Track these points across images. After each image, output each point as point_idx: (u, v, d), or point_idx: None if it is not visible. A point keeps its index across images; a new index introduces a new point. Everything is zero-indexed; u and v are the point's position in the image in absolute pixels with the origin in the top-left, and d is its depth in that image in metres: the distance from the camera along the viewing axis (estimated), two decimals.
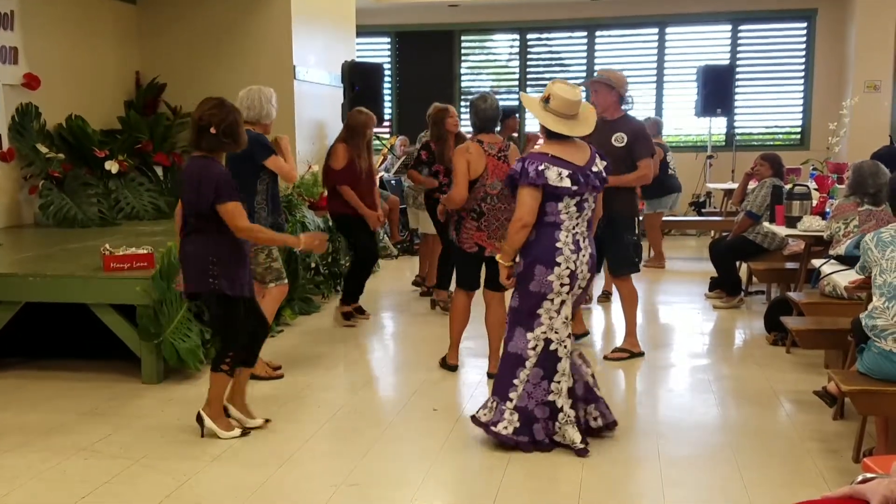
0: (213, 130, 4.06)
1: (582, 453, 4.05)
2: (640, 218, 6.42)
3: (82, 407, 4.83)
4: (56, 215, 7.41)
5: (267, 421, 4.45)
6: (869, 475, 2.03)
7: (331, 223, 7.29)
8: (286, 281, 5.31)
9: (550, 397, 4.11)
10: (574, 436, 4.09)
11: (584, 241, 4.11)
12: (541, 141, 4.40)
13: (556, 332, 4.10)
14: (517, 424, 4.09)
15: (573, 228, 4.08)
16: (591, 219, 4.23)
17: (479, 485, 3.80)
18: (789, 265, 6.96)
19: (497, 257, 4.28)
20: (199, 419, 4.28)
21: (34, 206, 7.60)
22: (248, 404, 4.48)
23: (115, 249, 5.40)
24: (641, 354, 5.76)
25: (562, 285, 4.05)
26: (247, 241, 4.28)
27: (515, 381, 4.11)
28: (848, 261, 4.94)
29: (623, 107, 5.66)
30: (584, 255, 4.11)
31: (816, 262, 5.49)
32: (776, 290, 7.40)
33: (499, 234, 5.22)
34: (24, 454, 4.13)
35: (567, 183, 4.01)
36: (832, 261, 5.27)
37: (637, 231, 5.77)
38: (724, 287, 7.46)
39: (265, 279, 5.19)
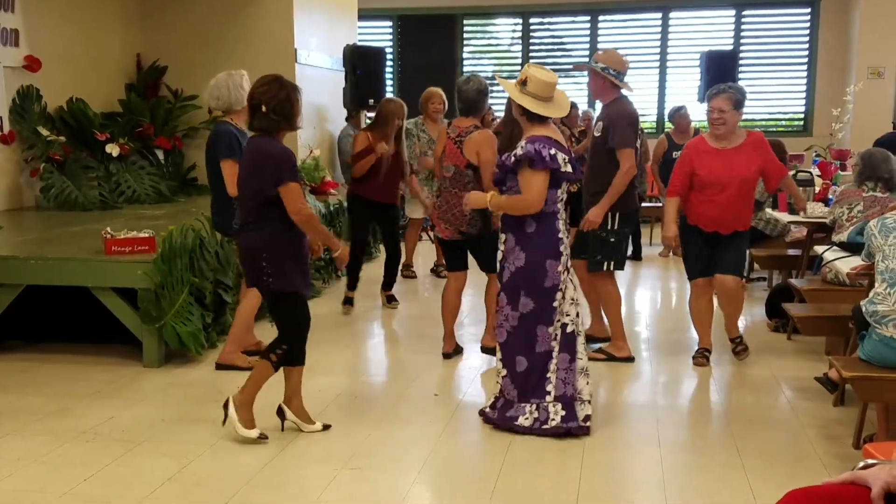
0: (263, 109, 3.92)
1: (581, 431, 4.12)
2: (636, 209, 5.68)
3: (84, 390, 4.84)
4: (57, 198, 7.40)
5: (326, 426, 4.20)
6: (870, 461, 2.04)
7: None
8: None
9: (573, 375, 4.20)
10: (579, 412, 4.16)
11: (566, 227, 4.27)
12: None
13: (567, 315, 4.19)
14: (563, 413, 4.13)
15: (562, 216, 4.19)
16: None
17: (480, 469, 3.81)
18: (791, 252, 6.95)
19: (489, 198, 4.27)
20: (226, 405, 4.05)
21: (35, 189, 7.59)
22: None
23: (117, 233, 5.39)
24: (627, 359, 5.37)
25: (564, 272, 4.17)
26: (305, 236, 4.05)
27: (548, 374, 4.15)
28: (850, 248, 4.93)
29: (623, 90, 5.22)
30: (569, 239, 4.28)
31: (819, 249, 5.49)
32: (778, 276, 7.39)
33: (447, 217, 5.28)
34: (27, 437, 4.15)
35: (569, 168, 4.11)
36: (834, 247, 5.26)
37: (629, 226, 5.37)
38: None
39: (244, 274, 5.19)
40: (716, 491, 3.62)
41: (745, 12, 12.09)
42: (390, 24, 12.97)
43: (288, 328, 4.09)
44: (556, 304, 4.14)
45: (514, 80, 4.21)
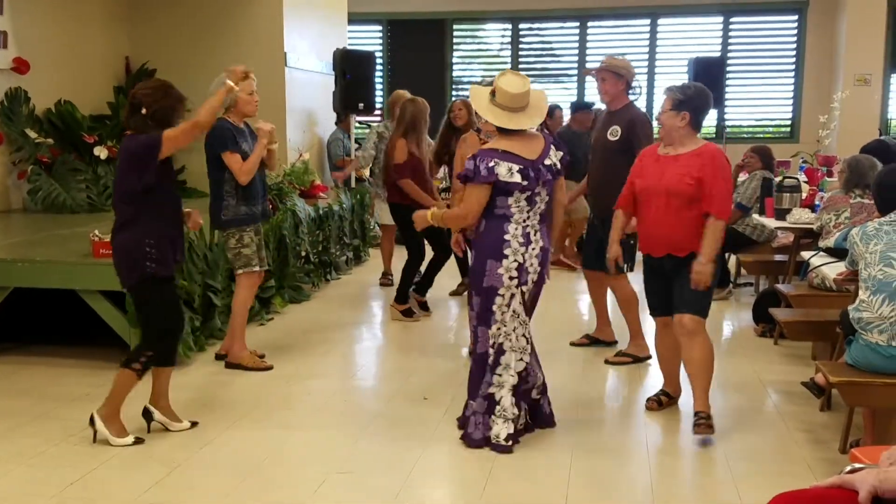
0: (143, 111, 3.92)
1: (501, 449, 3.98)
2: None
3: (72, 393, 4.82)
4: (45, 201, 7.37)
5: (194, 424, 4.25)
6: (857, 465, 2.06)
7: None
8: (258, 269, 5.26)
9: (490, 389, 4.09)
10: (500, 431, 4.02)
11: (534, 235, 4.07)
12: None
13: (504, 326, 4.08)
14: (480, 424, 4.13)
15: (524, 221, 4.03)
16: (546, 212, 4.13)
17: (468, 472, 3.82)
18: (778, 257, 6.99)
19: (430, 215, 4.23)
20: (92, 421, 4.02)
21: (23, 192, 7.56)
22: (173, 406, 4.25)
23: (105, 235, 5.37)
24: (648, 358, 5.42)
25: (510, 278, 4.02)
26: (179, 222, 4.12)
27: (485, 378, 4.15)
28: (837, 253, 4.97)
29: (630, 96, 5.39)
30: (533, 249, 4.05)
31: (805, 255, 5.52)
32: (765, 281, 7.43)
33: None
34: (14, 440, 4.13)
35: (517, 178, 3.95)
36: (821, 253, 5.30)
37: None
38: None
39: (234, 266, 5.23)
40: (703, 496, 3.64)
41: (732, 19, 12.16)
42: (380, 28, 12.97)
43: (156, 324, 4.06)
44: (493, 307, 4.04)
45: (488, 89, 4.08)
